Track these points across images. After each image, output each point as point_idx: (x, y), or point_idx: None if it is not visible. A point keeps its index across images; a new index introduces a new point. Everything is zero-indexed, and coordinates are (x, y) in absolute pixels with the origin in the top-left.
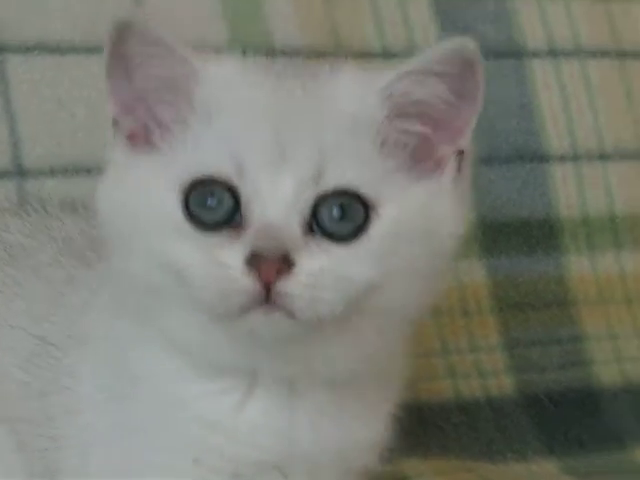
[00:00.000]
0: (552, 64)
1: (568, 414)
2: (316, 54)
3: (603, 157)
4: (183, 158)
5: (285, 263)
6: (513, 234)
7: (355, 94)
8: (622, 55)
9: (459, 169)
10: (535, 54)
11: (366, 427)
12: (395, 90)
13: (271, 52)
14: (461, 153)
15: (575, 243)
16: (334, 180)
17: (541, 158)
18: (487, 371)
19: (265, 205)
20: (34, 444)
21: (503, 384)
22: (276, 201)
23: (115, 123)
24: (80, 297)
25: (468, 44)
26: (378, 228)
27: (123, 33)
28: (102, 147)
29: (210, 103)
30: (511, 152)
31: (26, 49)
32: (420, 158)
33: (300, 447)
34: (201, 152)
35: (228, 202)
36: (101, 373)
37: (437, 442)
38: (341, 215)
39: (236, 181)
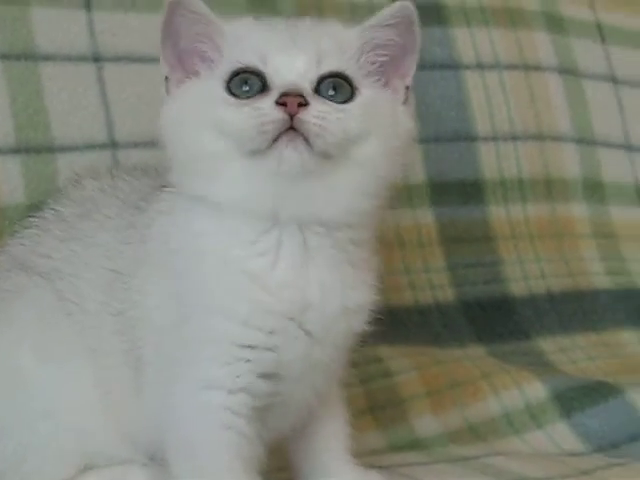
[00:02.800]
0: (479, 73)
1: (491, 315)
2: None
3: (514, 138)
4: (222, 66)
5: (303, 99)
6: (453, 190)
7: (340, 32)
8: (526, 68)
9: (406, 100)
10: (467, 66)
11: (360, 292)
12: (364, 34)
13: None
14: (407, 88)
15: (495, 197)
16: (329, 66)
17: (472, 138)
18: (436, 285)
19: (284, 76)
20: (120, 347)
21: (447, 294)
22: (292, 72)
23: (166, 79)
24: (139, 233)
25: (408, 6)
26: (360, 100)
27: (174, 7)
28: None
29: (236, 38)
30: (452, 134)
31: (117, 59)
32: (382, 79)
33: (314, 301)
34: (234, 56)
35: (257, 83)
36: (161, 277)
37: (402, 335)
38: (334, 90)
39: (261, 67)
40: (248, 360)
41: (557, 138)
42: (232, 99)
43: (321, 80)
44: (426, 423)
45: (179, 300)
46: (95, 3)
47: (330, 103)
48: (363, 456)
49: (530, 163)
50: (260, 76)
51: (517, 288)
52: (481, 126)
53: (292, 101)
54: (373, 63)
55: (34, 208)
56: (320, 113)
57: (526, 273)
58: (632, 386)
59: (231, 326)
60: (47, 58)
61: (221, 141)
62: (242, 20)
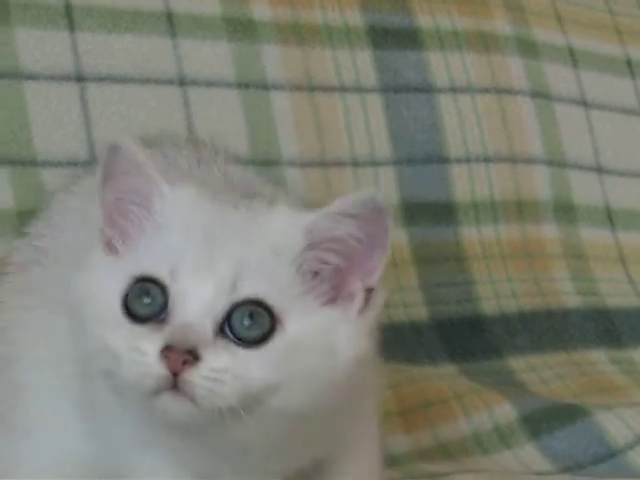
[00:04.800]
0: (452, 97)
1: (463, 334)
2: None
3: (486, 160)
4: (133, 261)
5: (191, 356)
6: (425, 211)
7: (281, 227)
8: (498, 91)
9: (367, 303)
10: (441, 90)
11: None
12: (316, 227)
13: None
14: (370, 290)
15: (467, 218)
16: (246, 291)
17: (444, 160)
18: (410, 304)
19: (186, 305)
20: None
21: (421, 313)
22: (196, 302)
23: (101, 231)
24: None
25: (377, 195)
26: (280, 340)
27: (112, 152)
28: None
29: (163, 217)
30: (424, 156)
31: (99, 79)
32: (331, 287)
33: None
34: (145, 256)
35: (159, 299)
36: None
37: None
38: (250, 322)
39: (168, 282)
40: None
41: (529, 160)
42: (123, 319)
43: (234, 308)
44: (398, 441)
45: None
46: (78, 24)
47: (234, 349)
48: None
49: (502, 185)
50: (164, 290)
51: (489, 307)
52: (453, 148)
53: (176, 359)
54: (322, 264)
55: (24, 214)
56: (211, 373)
57: (497, 292)
58: (599, 408)
59: None
60: (30, 77)
61: (107, 366)
62: (183, 187)
